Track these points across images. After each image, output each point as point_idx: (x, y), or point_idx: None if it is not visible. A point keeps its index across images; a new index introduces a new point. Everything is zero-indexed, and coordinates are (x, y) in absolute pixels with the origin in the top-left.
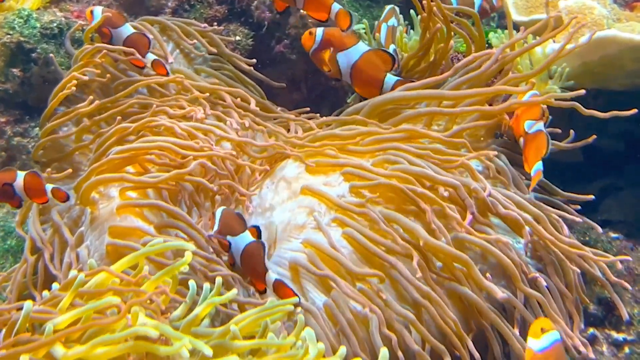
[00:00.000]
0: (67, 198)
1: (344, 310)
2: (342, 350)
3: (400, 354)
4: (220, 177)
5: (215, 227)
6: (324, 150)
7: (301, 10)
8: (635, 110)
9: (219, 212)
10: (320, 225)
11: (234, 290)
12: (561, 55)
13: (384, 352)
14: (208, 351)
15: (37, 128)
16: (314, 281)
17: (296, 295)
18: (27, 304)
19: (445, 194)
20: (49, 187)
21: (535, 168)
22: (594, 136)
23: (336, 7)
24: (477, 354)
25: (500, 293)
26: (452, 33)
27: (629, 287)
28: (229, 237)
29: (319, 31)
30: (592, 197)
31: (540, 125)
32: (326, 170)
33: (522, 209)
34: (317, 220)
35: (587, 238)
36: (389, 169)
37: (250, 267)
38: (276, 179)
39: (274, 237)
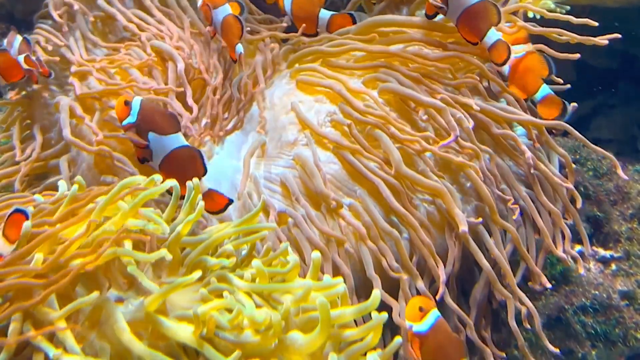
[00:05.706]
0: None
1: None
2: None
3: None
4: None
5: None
6: (315, 66)
7: None
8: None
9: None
10: (309, 142)
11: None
12: None
13: (375, 292)
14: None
15: None
16: (304, 197)
17: (228, 200)
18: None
19: (424, 117)
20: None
21: (542, 92)
22: (577, 55)
23: None
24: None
25: (464, 227)
26: None
27: None
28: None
29: None
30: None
31: (528, 47)
32: (317, 87)
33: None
34: (307, 137)
35: (577, 156)
36: (380, 87)
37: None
38: (267, 95)
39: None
